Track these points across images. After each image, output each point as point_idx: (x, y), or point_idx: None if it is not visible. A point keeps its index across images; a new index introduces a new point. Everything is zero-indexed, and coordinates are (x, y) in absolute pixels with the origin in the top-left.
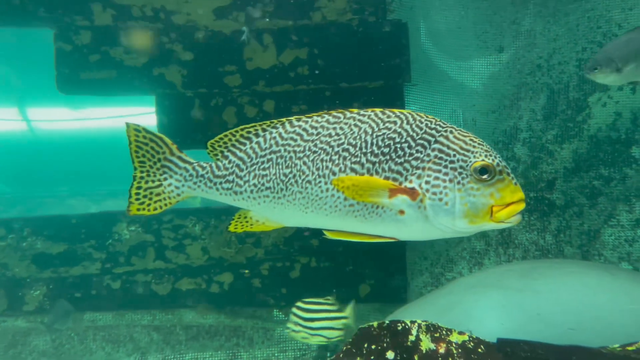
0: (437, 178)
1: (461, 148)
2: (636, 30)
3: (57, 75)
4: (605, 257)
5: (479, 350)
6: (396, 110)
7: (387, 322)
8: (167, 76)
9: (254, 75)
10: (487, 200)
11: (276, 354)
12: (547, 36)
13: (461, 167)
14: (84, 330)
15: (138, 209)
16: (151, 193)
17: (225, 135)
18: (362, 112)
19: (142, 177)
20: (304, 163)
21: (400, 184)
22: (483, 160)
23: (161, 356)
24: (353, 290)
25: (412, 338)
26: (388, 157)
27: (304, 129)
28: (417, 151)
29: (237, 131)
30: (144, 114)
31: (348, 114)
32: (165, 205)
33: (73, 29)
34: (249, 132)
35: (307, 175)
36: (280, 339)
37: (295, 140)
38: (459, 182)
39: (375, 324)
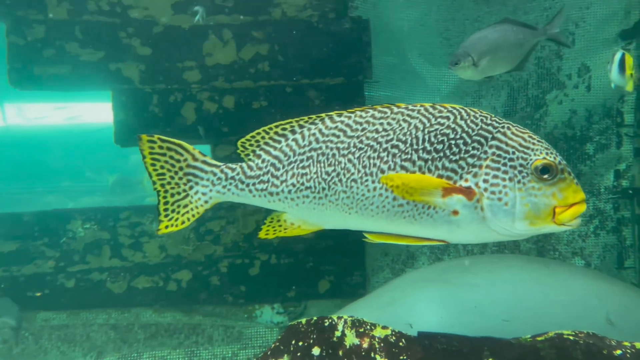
0: (495, 177)
1: (520, 145)
2: (491, 27)
3: (9, 69)
4: (560, 252)
5: (400, 344)
6: (447, 105)
7: (314, 318)
8: (125, 71)
9: (214, 71)
10: (549, 201)
11: (236, 352)
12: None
13: (521, 165)
14: (39, 330)
15: (167, 227)
16: (179, 206)
17: (258, 133)
18: (410, 106)
19: (166, 191)
20: (349, 160)
21: (455, 182)
22: (545, 158)
23: (118, 355)
24: (312, 287)
25: (338, 334)
26: (442, 154)
27: (347, 125)
28: (473, 148)
29: (270, 128)
30: None
31: (395, 109)
32: (193, 216)
33: (26, 23)
34: (284, 129)
35: (353, 173)
36: (241, 336)
37: (338, 137)
38: (519, 182)
39: (303, 320)
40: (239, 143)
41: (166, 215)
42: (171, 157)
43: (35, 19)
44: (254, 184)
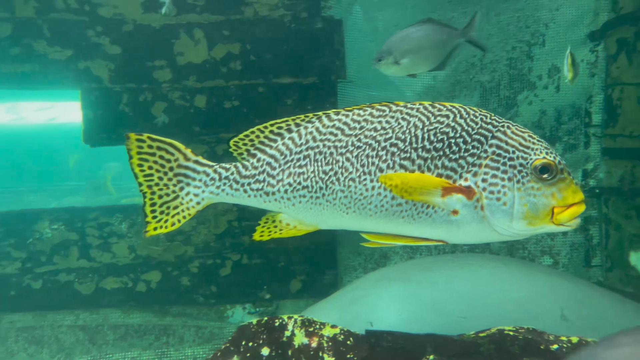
0: (495, 176)
1: (520, 145)
2: (414, 26)
3: None
4: (529, 251)
5: (348, 342)
6: (447, 104)
7: (265, 319)
8: (94, 70)
9: (185, 70)
10: (548, 201)
11: (208, 352)
12: (480, 35)
13: (521, 164)
14: (5, 332)
15: (155, 228)
16: (168, 207)
17: (252, 132)
18: (409, 104)
19: (153, 193)
20: (347, 159)
21: (455, 182)
22: (544, 157)
23: (87, 356)
24: (284, 287)
25: (287, 333)
26: (441, 152)
27: (345, 123)
28: (473, 147)
29: (265, 127)
30: None
31: (394, 107)
32: (184, 217)
33: None
34: (279, 128)
35: (351, 172)
36: (212, 336)
37: (336, 135)
38: (518, 181)
39: (254, 321)
40: (231, 142)
41: (154, 217)
42: (161, 157)
43: (2, 17)
44: (249, 184)
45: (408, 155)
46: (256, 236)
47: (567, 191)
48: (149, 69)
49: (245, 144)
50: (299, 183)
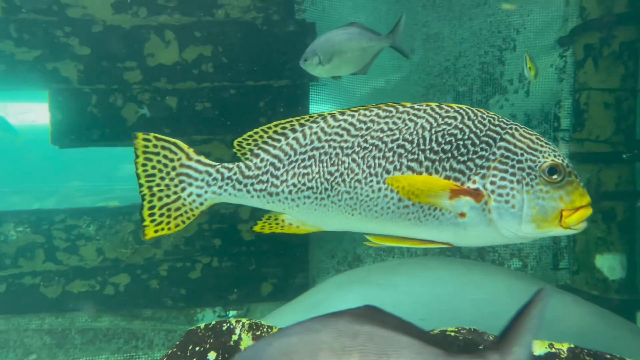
0: (503, 179)
1: (529, 147)
2: (340, 29)
3: None
4: (499, 254)
5: None
6: (454, 105)
7: (213, 323)
8: (62, 71)
9: (156, 72)
10: (557, 204)
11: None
12: (454, 39)
13: (529, 167)
14: None
15: (156, 231)
16: (169, 209)
17: (256, 132)
18: (416, 106)
19: (153, 194)
20: (353, 160)
21: (463, 184)
22: (553, 160)
23: None
24: (255, 290)
25: (235, 337)
26: (449, 154)
27: (351, 123)
28: (482, 149)
29: (269, 127)
30: None
31: (400, 108)
32: (188, 218)
33: None
34: (283, 128)
35: (357, 173)
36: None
37: (342, 136)
38: (527, 184)
39: (202, 325)
40: (235, 142)
41: (152, 221)
42: (164, 157)
43: None
44: (252, 184)
45: (416, 157)
46: (257, 228)
47: (575, 194)
48: (119, 70)
49: (248, 144)
50: (304, 184)
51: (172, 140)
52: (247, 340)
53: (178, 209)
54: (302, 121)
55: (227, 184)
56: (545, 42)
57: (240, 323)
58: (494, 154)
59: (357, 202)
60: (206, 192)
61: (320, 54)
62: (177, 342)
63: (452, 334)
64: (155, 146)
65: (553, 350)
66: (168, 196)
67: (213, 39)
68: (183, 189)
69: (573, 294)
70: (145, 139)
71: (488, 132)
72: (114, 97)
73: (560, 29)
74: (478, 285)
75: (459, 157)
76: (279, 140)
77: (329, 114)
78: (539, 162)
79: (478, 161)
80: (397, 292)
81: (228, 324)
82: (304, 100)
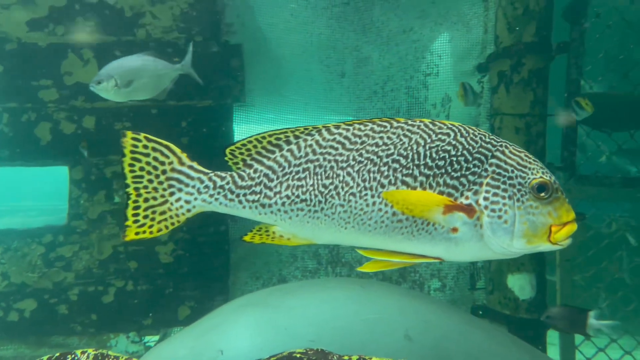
0: (496, 194)
1: (518, 164)
2: (136, 55)
3: None
4: (420, 274)
5: None
6: (447, 122)
7: (57, 354)
8: None
9: (73, 90)
10: (546, 220)
11: None
12: (383, 63)
13: (520, 183)
14: None
15: (137, 233)
16: (154, 212)
17: (249, 142)
18: (410, 121)
19: (139, 195)
20: (348, 174)
21: (456, 199)
22: (541, 177)
23: None
24: (172, 313)
25: None
26: (443, 170)
27: (346, 137)
28: (474, 165)
29: (263, 137)
30: None
31: (395, 123)
32: (172, 224)
33: None
34: (277, 139)
35: (352, 187)
36: None
37: (337, 149)
38: (518, 200)
39: (45, 357)
40: (227, 150)
41: (135, 222)
42: (155, 159)
43: None
44: (244, 195)
45: (410, 171)
46: (247, 238)
47: (562, 210)
48: (33, 89)
49: (241, 153)
50: (297, 196)
51: (165, 142)
52: None
53: (163, 212)
54: (297, 133)
55: (218, 193)
56: (465, 68)
57: (86, 354)
58: (486, 170)
59: (351, 215)
60: (196, 199)
61: (118, 77)
62: None
63: (298, 355)
64: (145, 147)
65: None
66: (155, 198)
67: None
68: (172, 194)
69: (490, 313)
70: (134, 139)
71: (480, 149)
72: (28, 116)
73: (479, 55)
74: (372, 305)
75: (452, 173)
76: (272, 152)
77: (324, 127)
78: (529, 178)
79: (471, 177)
80: (290, 314)
81: (72, 355)
82: (227, 121)
